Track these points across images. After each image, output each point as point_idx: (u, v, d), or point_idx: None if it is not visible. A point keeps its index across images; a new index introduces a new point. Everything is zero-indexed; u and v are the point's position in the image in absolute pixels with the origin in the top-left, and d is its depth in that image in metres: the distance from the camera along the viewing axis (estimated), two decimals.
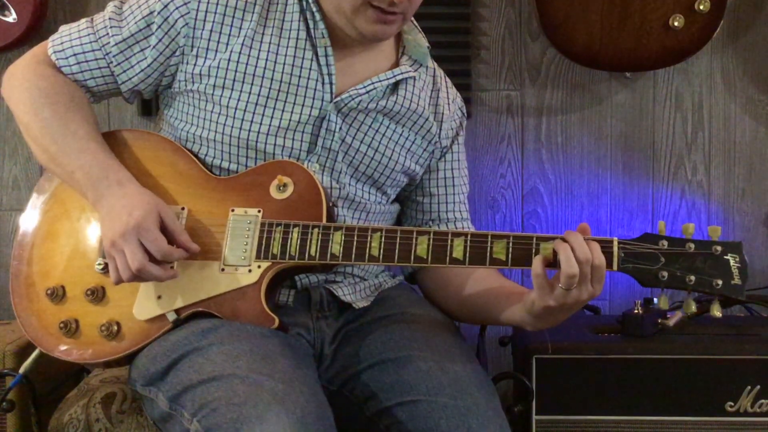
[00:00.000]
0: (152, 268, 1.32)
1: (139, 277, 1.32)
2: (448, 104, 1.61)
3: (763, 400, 1.70)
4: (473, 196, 2.27)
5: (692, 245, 1.28)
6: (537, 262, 1.28)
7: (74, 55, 1.48)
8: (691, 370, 1.70)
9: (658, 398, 1.71)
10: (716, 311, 1.31)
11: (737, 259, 1.28)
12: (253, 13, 1.45)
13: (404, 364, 1.38)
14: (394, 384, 1.36)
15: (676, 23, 2.01)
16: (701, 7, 1.99)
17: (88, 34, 1.49)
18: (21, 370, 1.50)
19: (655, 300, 1.84)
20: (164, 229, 1.34)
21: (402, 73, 1.51)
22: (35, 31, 2.14)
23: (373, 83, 1.47)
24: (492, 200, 2.30)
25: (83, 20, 1.52)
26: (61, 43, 1.49)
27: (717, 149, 2.27)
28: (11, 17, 2.08)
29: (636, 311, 1.77)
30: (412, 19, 1.54)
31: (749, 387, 1.70)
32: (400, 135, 1.54)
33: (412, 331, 1.45)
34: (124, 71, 1.48)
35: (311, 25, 1.46)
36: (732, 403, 1.70)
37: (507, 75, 2.27)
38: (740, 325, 1.84)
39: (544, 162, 2.29)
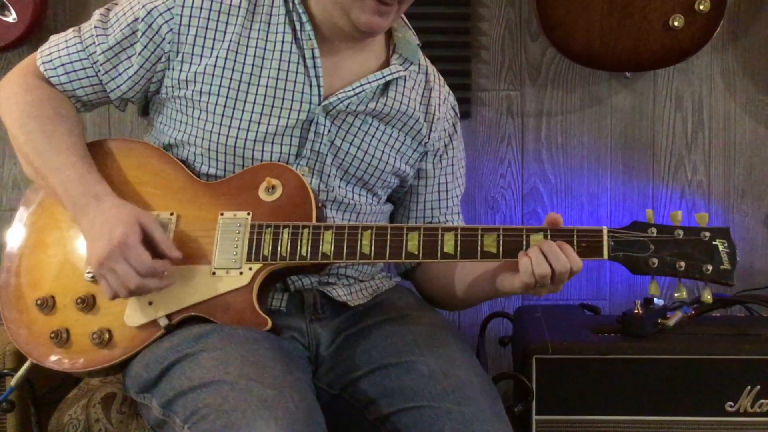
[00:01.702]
0: (149, 282, 1.32)
1: (137, 293, 1.33)
2: (440, 104, 1.60)
3: (763, 400, 1.70)
4: (473, 196, 2.27)
5: (680, 232, 1.31)
6: (523, 261, 1.31)
7: (62, 65, 1.48)
8: (691, 370, 1.70)
9: (658, 398, 1.71)
10: (707, 296, 1.34)
11: (725, 245, 1.30)
12: (237, 16, 1.44)
13: (406, 369, 1.37)
14: (397, 390, 1.35)
15: (676, 23, 2.00)
16: (701, 7, 1.99)
17: (75, 44, 1.49)
18: (13, 382, 1.48)
19: (656, 301, 1.84)
20: (147, 240, 1.34)
21: (392, 73, 1.50)
22: (35, 31, 2.14)
23: (362, 85, 1.47)
24: (492, 200, 2.30)
25: (71, 30, 1.52)
26: (50, 54, 1.49)
27: (717, 149, 2.27)
28: (11, 17, 2.08)
29: (636, 311, 1.77)
30: (403, 16, 1.53)
31: (749, 387, 1.70)
32: (390, 136, 1.53)
33: (414, 336, 1.44)
34: (112, 79, 1.48)
35: (298, 27, 1.46)
36: (732, 403, 1.70)
37: (507, 75, 2.27)
38: (740, 325, 1.83)
39: (544, 162, 2.29)
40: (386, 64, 1.53)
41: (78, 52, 1.48)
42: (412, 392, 1.33)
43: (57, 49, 1.49)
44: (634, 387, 1.71)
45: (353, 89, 1.46)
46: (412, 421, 1.31)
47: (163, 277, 1.34)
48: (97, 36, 1.48)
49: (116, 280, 1.31)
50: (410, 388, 1.34)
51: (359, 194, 1.54)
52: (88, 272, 1.41)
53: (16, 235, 1.51)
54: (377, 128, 1.52)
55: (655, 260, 1.31)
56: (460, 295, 1.54)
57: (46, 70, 1.48)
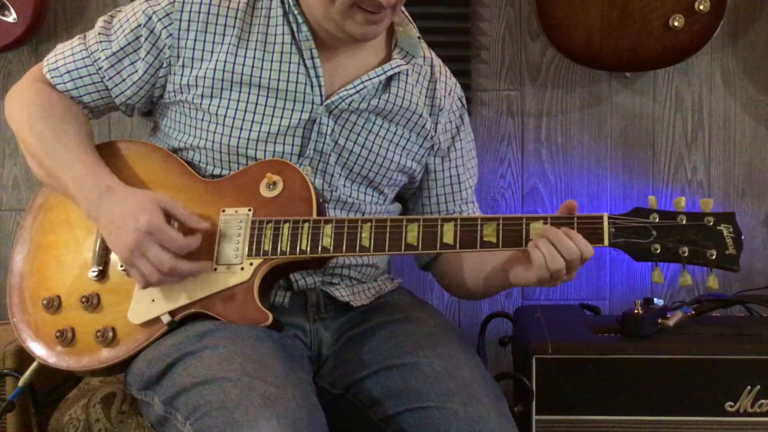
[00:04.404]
0: (184, 265, 1.33)
1: (170, 276, 1.33)
2: (445, 96, 1.60)
3: (763, 400, 1.69)
4: None
5: (684, 217, 1.29)
6: (536, 256, 1.30)
7: (68, 72, 1.50)
8: (691, 370, 1.70)
9: (658, 398, 1.71)
10: (713, 283, 1.31)
11: (730, 229, 1.28)
12: (236, 18, 1.45)
13: (410, 370, 1.37)
14: (401, 390, 1.35)
15: (676, 23, 2.01)
16: (701, 7, 1.99)
17: (81, 51, 1.50)
18: (20, 383, 1.50)
19: (656, 301, 1.84)
20: (170, 219, 1.35)
21: (392, 68, 1.50)
22: (35, 31, 2.14)
23: (363, 82, 1.47)
24: (492, 200, 2.30)
25: (76, 37, 1.53)
26: (56, 62, 1.51)
27: (717, 149, 2.27)
28: (11, 17, 2.08)
29: (636, 311, 1.76)
30: (403, 9, 1.53)
31: (749, 387, 1.70)
32: (394, 133, 1.53)
33: (417, 337, 1.44)
34: (117, 85, 1.50)
35: (295, 29, 1.46)
36: (732, 403, 1.70)
37: (507, 75, 2.27)
38: (740, 325, 1.83)
39: (544, 162, 2.29)
40: (387, 59, 1.53)
41: (83, 59, 1.50)
42: (417, 393, 1.33)
43: (63, 56, 1.51)
44: (634, 387, 1.71)
45: (354, 87, 1.46)
46: (417, 422, 1.31)
47: (197, 262, 1.35)
48: (100, 42, 1.49)
49: (149, 266, 1.32)
50: (415, 389, 1.34)
51: (364, 193, 1.54)
52: (93, 271, 1.42)
53: (22, 238, 1.52)
54: (381, 126, 1.52)
55: (658, 246, 1.28)
56: (473, 287, 1.54)
57: (52, 77, 1.50)
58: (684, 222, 1.28)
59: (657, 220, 1.29)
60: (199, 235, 1.36)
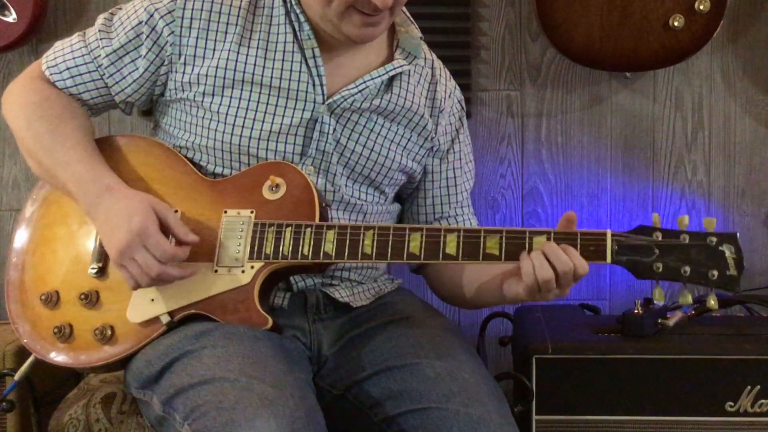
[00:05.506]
0: (171, 270, 1.33)
1: (158, 281, 1.33)
2: (445, 98, 1.60)
3: (763, 400, 1.69)
4: (473, 196, 2.26)
5: (686, 237, 1.29)
6: (525, 264, 1.30)
7: (67, 69, 1.49)
8: (691, 370, 1.70)
9: (658, 398, 1.71)
10: (713, 303, 1.32)
11: (733, 250, 1.28)
12: (238, 17, 1.45)
13: (411, 371, 1.37)
14: (403, 392, 1.35)
15: (676, 23, 2.00)
16: (701, 7, 1.99)
17: (80, 48, 1.50)
18: (17, 377, 1.50)
19: (656, 302, 1.84)
20: (163, 226, 1.35)
21: (394, 68, 1.50)
22: (35, 31, 2.14)
23: (365, 82, 1.47)
24: (492, 200, 2.29)
25: (75, 35, 1.53)
26: (54, 59, 1.50)
27: (717, 149, 2.27)
28: (11, 17, 2.08)
29: (636, 311, 1.77)
30: (405, 10, 1.53)
31: (749, 387, 1.70)
32: (395, 133, 1.53)
33: (417, 338, 1.44)
34: (117, 83, 1.49)
35: (297, 28, 1.46)
36: (732, 403, 1.70)
37: (507, 75, 2.27)
38: (740, 325, 1.83)
39: (544, 162, 2.28)
40: (390, 59, 1.53)
41: (83, 56, 1.49)
42: (419, 394, 1.33)
43: (62, 53, 1.50)
44: (634, 387, 1.71)
45: (356, 86, 1.46)
46: (419, 423, 1.31)
47: (184, 267, 1.35)
48: (101, 39, 1.49)
49: (137, 269, 1.32)
50: (416, 391, 1.34)
51: (366, 192, 1.54)
52: (93, 267, 1.42)
53: (22, 231, 1.51)
54: (382, 125, 1.52)
55: (660, 265, 1.29)
56: (468, 297, 1.54)
57: (51, 74, 1.49)
58: (687, 241, 1.29)
59: (660, 239, 1.30)
60: (188, 248, 1.36)
